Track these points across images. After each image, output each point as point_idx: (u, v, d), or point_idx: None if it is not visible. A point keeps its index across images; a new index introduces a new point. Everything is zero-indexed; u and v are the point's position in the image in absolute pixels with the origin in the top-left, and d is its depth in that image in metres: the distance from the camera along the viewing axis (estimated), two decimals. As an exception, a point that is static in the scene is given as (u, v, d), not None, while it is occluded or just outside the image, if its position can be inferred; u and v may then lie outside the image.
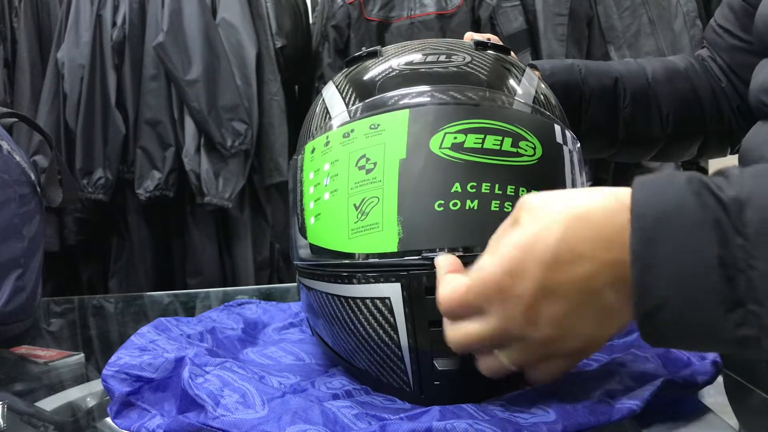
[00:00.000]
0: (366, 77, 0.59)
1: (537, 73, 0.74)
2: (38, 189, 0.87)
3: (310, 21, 2.20)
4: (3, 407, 0.57)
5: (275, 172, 1.99)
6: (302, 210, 0.57)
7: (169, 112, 1.93)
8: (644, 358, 0.56)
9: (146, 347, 0.60)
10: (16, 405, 0.62)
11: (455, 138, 0.51)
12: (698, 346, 0.39)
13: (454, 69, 0.57)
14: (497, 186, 0.50)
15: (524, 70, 0.61)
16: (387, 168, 0.51)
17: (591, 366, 0.57)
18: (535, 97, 0.58)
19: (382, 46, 0.63)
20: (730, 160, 0.69)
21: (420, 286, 0.49)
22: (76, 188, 1.03)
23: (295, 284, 0.65)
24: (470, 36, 0.73)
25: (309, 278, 0.57)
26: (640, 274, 0.36)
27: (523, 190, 0.51)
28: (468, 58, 0.58)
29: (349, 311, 0.53)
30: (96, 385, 0.65)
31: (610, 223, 0.39)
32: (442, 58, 0.58)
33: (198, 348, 0.59)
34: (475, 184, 0.50)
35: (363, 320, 0.52)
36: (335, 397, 0.54)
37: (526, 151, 0.52)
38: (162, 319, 0.69)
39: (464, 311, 0.45)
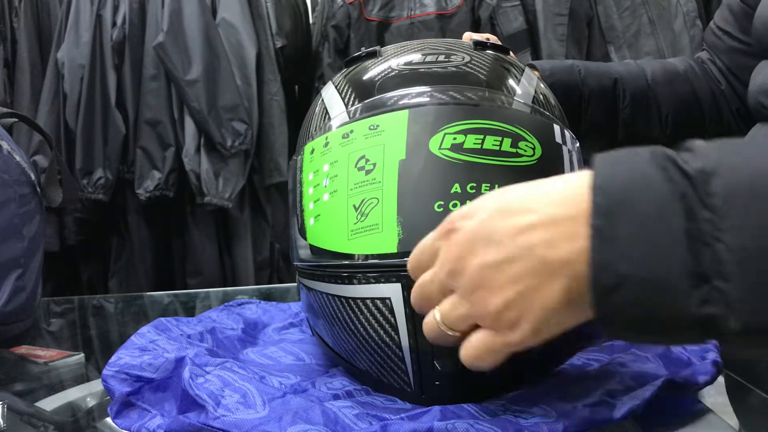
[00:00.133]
0: (365, 77, 0.59)
1: (536, 73, 0.74)
2: (38, 189, 0.87)
3: (310, 21, 2.20)
4: (3, 407, 0.57)
5: (275, 172, 1.99)
6: (302, 211, 0.57)
7: (169, 112, 1.93)
8: (644, 358, 0.56)
9: (146, 347, 0.60)
10: (16, 405, 0.62)
11: (455, 138, 0.51)
12: (657, 330, 0.35)
13: (454, 69, 0.57)
14: (497, 186, 0.50)
15: (523, 70, 0.61)
16: (386, 169, 0.51)
17: (591, 366, 0.57)
18: (534, 97, 0.58)
19: (382, 46, 0.63)
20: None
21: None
22: (76, 188, 1.03)
23: (295, 284, 0.65)
24: (469, 36, 0.73)
25: (309, 279, 0.57)
26: (599, 250, 0.34)
27: None
28: (467, 58, 0.58)
29: (350, 312, 0.53)
30: (96, 385, 0.65)
31: (568, 193, 0.37)
32: (442, 58, 0.58)
33: (198, 348, 0.59)
34: (474, 184, 0.50)
35: (363, 321, 0.52)
36: (336, 397, 0.54)
37: (525, 151, 0.52)
38: (162, 319, 0.69)
39: (423, 260, 0.43)
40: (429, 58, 0.58)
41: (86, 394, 0.65)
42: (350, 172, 0.53)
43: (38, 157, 1.87)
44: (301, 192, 0.58)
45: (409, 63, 0.58)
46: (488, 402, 0.50)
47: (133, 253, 2.01)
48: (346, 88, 0.59)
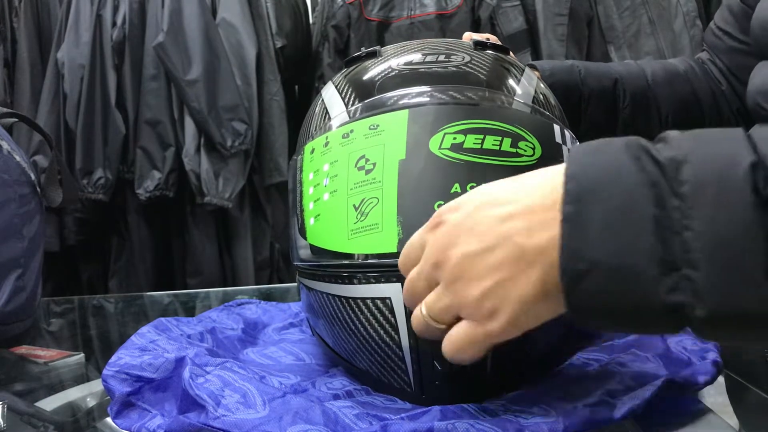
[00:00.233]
0: (365, 77, 0.59)
1: (536, 73, 0.74)
2: (38, 189, 0.87)
3: (310, 21, 2.20)
4: (3, 407, 0.57)
5: (275, 172, 1.99)
6: (302, 211, 0.57)
7: (169, 112, 1.93)
8: (644, 357, 0.56)
9: (146, 347, 0.60)
10: (16, 405, 0.62)
11: (455, 138, 0.51)
12: (626, 317, 0.35)
13: (454, 69, 0.57)
14: None
15: (523, 70, 0.61)
16: (386, 169, 0.51)
17: (591, 366, 0.57)
18: (534, 97, 0.58)
19: (382, 46, 0.63)
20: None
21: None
22: (76, 188, 1.03)
23: (295, 284, 0.65)
24: (469, 36, 0.73)
25: (309, 279, 0.57)
26: (569, 236, 0.35)
27: None
28: (467, 58, 0.58)
29: (350, 311, 0.53)
30: (96, 385, 0.65)
31: (546, 183, 0.38)
32: (442, 58, 0.58)
33: (198, 348, 0.59)
34: (474, 184, 0.50)
35: (364, 320, 0.52)
36: (336, 397, 0.54)
37: (525, 151, 0.52)
38: (162, 319, 0.69)
39: (411, 256, 0.44)
40: (429, 58, 0.58)
41: (86, 394, 0.65)
42: (350, 172, 0.53)
43: (38, 157, 1.87)
44: (301, 192, 0.58)
45: (409, 63, 0.58)
46: (488, 402, 0.50)
47: (133, 253, 2.01)
48: (346, 88, 0.59)
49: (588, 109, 0.80)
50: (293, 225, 0.59)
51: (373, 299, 0.51)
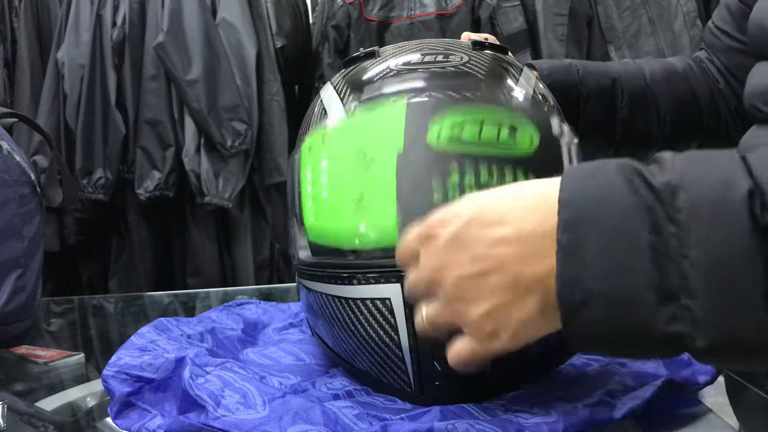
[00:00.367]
0: (364, 78, 0.59)
1: (535, 72, 0.74)
2: (38, 189, 0.87)
3: (310, 21, 2.20)
4: (3, 407, 0.57)
5: (275, 172, 1.99)
6: (300, 209, 0.57)
7: (169, 112, 1.92)
8: (644, 358, 0.56)
9: (146, 347, 0.60)
10: (16, 405, 0.62)
11: (452, 130, 0.51)
12: (625, 346, 0.35)
13: (452, 69, 0.57)
14: (496, 175, 0.50)
15: (522, 70, 0.61)
16: (385, 163, 0.52)
17: (591, 366, 0.57)
18: (532, 96, 0.58)
19: (382, 47, 0.63)
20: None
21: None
22: (76, 188, 1.03)
23: (295, 284, 0.65)
24: (467, 36, 0.73)
25: (309, 279, 0.57)
26: (565, 266, 0.34)
27: (521, 176, 0.51)
28: (465, 58, 0.58)
29: (350, 312, 0.53)
30: (96, 385, 0.65)
31: (539, 207, 0.38)
32: (440, 58, 0.58)
33: (198, 348, 0.59)
34: (473, 174, 0.50)
35: (363, 321, 0.52)
36: (336, 397, 0.54)
37: (523, 140, 0.53)
38: (162, 319, 0.69)
39: (409, 254, 0.44)
40: (427, 58, 0.58)
41: (86, 394, 0.65)
42: (348, 166, 0.53)
43: (38, 157, 1.87)
44: (299, 190, 0.58)
45: (408, 63, 0.58)
46: (488, 402, 0.50)
47: (133, 253, 2.01)
48: (345, 88, 0.59)
49: (586, 108, 0.80)
50: (292, 225, 0.59)
51: (372, 300, 0.51)
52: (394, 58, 0.59)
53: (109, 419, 0.54)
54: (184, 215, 1.99)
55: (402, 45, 0.62)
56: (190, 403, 0.51)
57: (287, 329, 0.75)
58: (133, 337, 0.63)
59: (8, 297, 0.80)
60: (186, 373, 0.53)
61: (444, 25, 1.90)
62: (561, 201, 0.36)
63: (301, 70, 2.12)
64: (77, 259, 2.11)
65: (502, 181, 0.50)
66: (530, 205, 0.38)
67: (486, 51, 0.61)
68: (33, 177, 0.86)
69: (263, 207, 2.05)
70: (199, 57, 1.85)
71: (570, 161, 0.55)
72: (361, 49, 0.63)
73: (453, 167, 0.50)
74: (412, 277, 0.44)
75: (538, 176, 0.51)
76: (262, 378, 0.55)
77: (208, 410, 0.49)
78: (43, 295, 0.91)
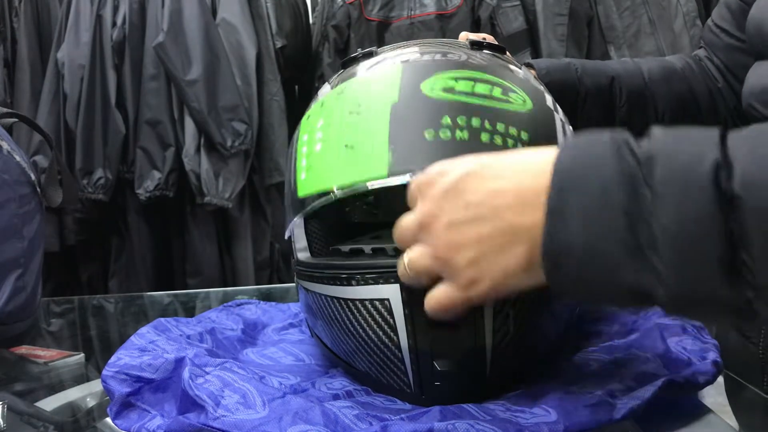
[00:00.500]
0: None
1: (533, 72, 0.74)
2: (38, 189, 0.87)
3: (310, 21, 2.20)
4: (3, 407, 0.57)
5: (275, 172, 1.99)
6: (294, 177, 0.57)
7: (169, 112, 1.92)
8: (645, 358, 0.56)
9: (146, 348, 0.60)
10: (16, 405, 0.62)
11: (446, 82, 0.53)
12: (599, 295, 0.39)
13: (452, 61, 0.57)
14: (487, 122, 0.51)
15: (519, 68, 0.61)
16: (379, 110, 0.52)
17: (591, 366, 0.57)
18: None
19: (381, 47, 0.63)
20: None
21: (421, 287, 0.49)
22: (76, 188, 1.03)
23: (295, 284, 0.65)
24: (465, 36, 0.73)
25: (307, 280, 0.57)
26: (550, 225, 0.37)
27: (513, 129, 0.51)
28: (464, 57, 0.58)
29: (349, 313, 0.53)
30: (96, 385, 0.65)
31: (536, 166, 0.40)
32: (438, 56, 0.58)
33: (198, 348, 0.59)
34: (465, 118, 0.51)
35: (363, 322, 0.52)
36: (336, 397, 0.54)
37: (516, 100, 0.53)
38: (161, 319, 0.69)
39: (411, 201, 0.45)
40: (426, 57, 0.58)
41: (86, 394, 0.65)
42: (343, 118, 0.54)
43: (38, 157, 1.87)
44: (295, 159, 0.57)
45: (406, 61, 0.58)
46: (488, 402, 0.50)
47: (133, 253, 2.01)
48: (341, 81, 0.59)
49: (585, 107, 0.80)
50: (288, 222, 0.59)
51: (371, 300, 0.51)
52: (392, 58, 0.59)
53: (108, 419, 0.54)
54: (184, 215, 1.99)
55: (400, 45, 0.63)
56: (189, 403, 0.51)
57: (287, 329, 0.75)
58: (132, 338, 0.63)
59: (8, 297, 0.80)
60: (185, 374, 0.53)
61: (444, 25, 1.90)
62: (555, 167, 0.38)
63: (301, 70, 2.12)
64: (77, 259, 2.11)
65: (494, 126, 0.51)
66: (529, 166, 0.40)
67: (484, 51, 0.61)
68: (33, 177, 0.86)
69: (263, 207, 2.05)
70: (199, 57, 1.85)
71: (564, 135, 0.56)
72: (360, 49, 0.63)
73: (445, 110, 0.51)
74: (404, 220, 0.45)
75: (531, 134, 0.51)
76: (262, 378, 0.55)
77: (207, 410, 0.49)
78: (43, 295, 0.91)
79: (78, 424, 0.60)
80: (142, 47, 1.92)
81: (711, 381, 0.54)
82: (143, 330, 0.66)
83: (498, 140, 0.50)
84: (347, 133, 0.53)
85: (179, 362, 0.56)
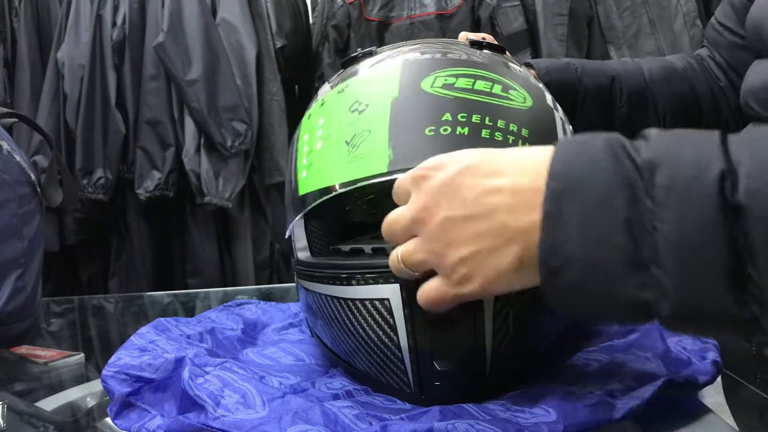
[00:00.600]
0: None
1: (532, 71, 0.74)
2: (38, 189, 0.87)
3: (310, 21, 2.20)
4: (3, 407, 0.57)
5: (275, 172, 1.99)
6: (295, 176, 0.57)
7: (169, 112, 1.93)
8: (645, 358, 0.56)
9: (146, 348, 0.60)
10: (16, 405, 0.62)
11: (446, 80, 0.53)
12: (597, 310, 0.38)
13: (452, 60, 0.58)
14: (488, 118, 0.51)
15: (519, 68, 0.61)
16: (380, 107, 0.53)
17: (591, 366, 0.57)
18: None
19: (380, 47, 0.63)
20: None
21: (419, 286, 0.49)
22: (76, 188, 1.03)
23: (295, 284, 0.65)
24: (465, 36, 0.73)
25: (307, 280, 0.57)
26: (548, 233, 0.36)
27: (514, 126, 0.51)
28: (464, 56, 0.58)
29: (349, 313, 0.53)
30: (96, 385, 0.65)
31: (533, 166, 0.39)
32: (438, 56, 0.58)
33: (198, 348, 0.59)
34: (465, 114, 0.51)
35: (362, 322, 0.52)
36: (336, 397, 0.54)
37: (516, 98, 0.54)
38: (161, 319, 0.69)
39: (402, 193, 0.45)
40: (426, 57, 0.58)
41: (86, 394, 0.65)
42: (343, 116, 0.54)
43: (38, 157, 1.87)
44: (295, 159, 0.58)
45: (406, 61, 0.58)
46: (488, 402, 0.50)
47: (133, 253, 2.01)
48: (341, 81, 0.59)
49: (584, 107, 0.80)
50: (289, 221, 0.59)
51: (371, 300, 0.51)
52: (392, 57, 0.59)
53: (108, 419, 0.54)
54: (184, 215, 1.99)
55: (400, 45, 0.63)
56: (189, 403, 0.51)
57: (287, 329, 0.75)
58: (132, 338, 0.63)
59: (8, 297, 0.80)
60: (185, 373, 0.53)
61: (444, 25, 1.90)
62: (550, 171, 0.37)
63: (301, 70, 2.12)
64: (77, 259, 2.11)
65: (494, 122, 0.51)
66: (527, 165, 0.40)
67: (484, 51, 0.61)
68: (33, 177, 0.86)
69: (263, 207, 2.05)
70: (199, 57, 1.85)
71: (564, 133, 0.56)
72: (360, 49, 0.63)
73: (446, 107, 0.51)
74: (395, 213, 0.44)
75: (532, 131, 0.51)
76: (262, 378, 0.55)
77: (207, 410, 0.49)
78: (43, 295, 0.91)
79: (78, 424, 0.60)
80: (142, 47, 1.92)
81: (711, 381, 0.54)
82: (143, 330, 0.66)
83: (499, 137, 0.50)
84: (348, 130, 0.53)
85: (179, 362, 0.56)
